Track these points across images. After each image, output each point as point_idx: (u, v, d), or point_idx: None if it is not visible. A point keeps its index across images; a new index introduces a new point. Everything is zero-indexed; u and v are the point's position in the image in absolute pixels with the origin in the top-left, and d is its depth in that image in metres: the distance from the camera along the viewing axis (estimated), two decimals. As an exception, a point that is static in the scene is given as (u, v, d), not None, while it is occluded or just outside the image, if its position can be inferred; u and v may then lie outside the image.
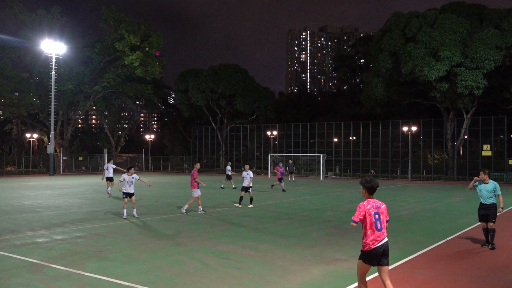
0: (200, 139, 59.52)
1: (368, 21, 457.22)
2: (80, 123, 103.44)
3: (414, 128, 43.38)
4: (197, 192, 15.13)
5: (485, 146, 40.50)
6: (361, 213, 5.58)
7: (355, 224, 5.71)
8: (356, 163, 47.09)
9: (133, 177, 14.26)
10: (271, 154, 48.04)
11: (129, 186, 14.09)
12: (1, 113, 57.28)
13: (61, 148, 51.10)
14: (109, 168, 22.46)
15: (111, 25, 48.49)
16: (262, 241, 10.39)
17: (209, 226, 12.54)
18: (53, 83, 44.04)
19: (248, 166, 18.81)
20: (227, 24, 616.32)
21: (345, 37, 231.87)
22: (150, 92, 54.98)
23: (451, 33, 37.31)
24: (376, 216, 5.58)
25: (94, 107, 60.36)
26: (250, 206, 17.28)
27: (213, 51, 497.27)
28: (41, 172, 47.94)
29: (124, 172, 14.62)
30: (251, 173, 17.56)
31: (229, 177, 27.79)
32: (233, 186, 27.07)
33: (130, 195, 14.10)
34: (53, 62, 43.87)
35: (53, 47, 43.48)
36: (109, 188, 21.86)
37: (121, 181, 14.18)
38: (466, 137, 42.31)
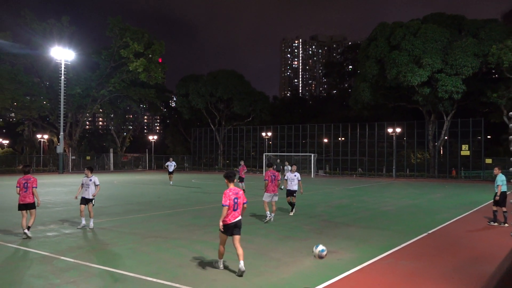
0: (199, 139, 59.48)
1: (356, 30, 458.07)
2: (88, 125, 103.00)
3: (398, 130, 43.54)
4: (276, 197, 12.88)
5: (463, 146, 40.70)
6: (227, 198, 6.93)
7: (226, 207, 6.91)
8: (345, 162, 47.16)
9: (90, 180, 11.20)
10: (266, 153, 48.05)
11: (86, 190, 11.18)
12: (14, 115, 56.94)
13: (70, 148, 50.86)
14: (170, 165, 27.83)
15: (117, 33, 48.32)
16: (257, 235, 10.40)
17: (209, 221, 12.53)
18: (62, 88, 43.85)
19: (295, 166, 14.56)
20: (224, 32, 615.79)
21: (334, 45, 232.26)
22: (153, 96, 54.84)
23: (433, 42, 37.45)
24: (235, 200, 6.97)
25: (100, 110, 60.12)
26: (291, 213, 14.07)
27: (211, 58, 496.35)
28: (51, 171, 47.72)
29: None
30: (299, 176, 13.89)
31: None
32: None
33: (86, 201, 11.17)
34: (63, 68, 43.67)
35: (62, 54, 43.30)
36: (171, 182, 27.66)
37: (82, 184, 11.34)
38: (446, 138, 42.49)
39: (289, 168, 24.62)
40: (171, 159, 29.20)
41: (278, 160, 37.93)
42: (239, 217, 7.07)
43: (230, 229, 7.02)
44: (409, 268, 7.44)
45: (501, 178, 12.25)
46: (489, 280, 6.77)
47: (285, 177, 14.23)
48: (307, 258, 8.00)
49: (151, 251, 8.60)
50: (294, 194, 13.96)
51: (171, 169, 27.91)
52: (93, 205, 11.29)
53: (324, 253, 6.12)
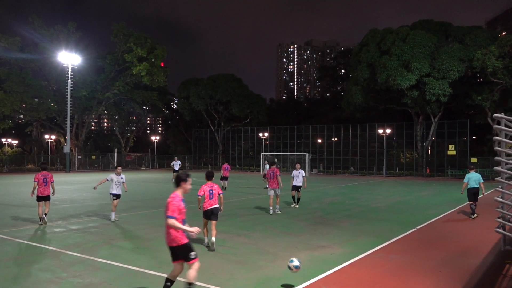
0: (200, 140, 59.42)
1: (348, 36, 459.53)
2: (93, 126, 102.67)
3: (388, 131, 43.62)
4: (278, 191, 13.32)
5: (450, 146, 40.81)
6: (202, 190, 8.34)
7: (199, 197, 8.35)
8: (338, 161, 47.20)
9: (121, 178, 11.59)
10: (263, 153, 48.02)
11: (117, 187, 11.50)
12: (22, 117, 56.81)
13: (76, 148, 50.72)
14: (175, 164, 27.61)
15: (121, 39, 48.24)
16: (255, 230, 10.39)
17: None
18: (69, 90, 43.72)
19: (299, 165, 15.26)
20: (224, 38, 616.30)
21: (328, 50, 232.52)
22: (156, 98, 54.75)
23: (421, 47, 37.54)
24: (210, 191, 8.31)
25: (105, 112, 59.93)
26: (296, 206, 14.84)
27: (211, 62, 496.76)
28: (58, 170, 47.56)
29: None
30: (303, 172, 14.81)
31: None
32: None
33: (117, 196, 11.53)
34: (69, 72, 43.54)
35: (69, 58, 43.17)
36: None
37: (108, 180, 11.52)
38: (433, 138, 42.60)
39: (267, 167, 25.00)
40: (176, 158, 29.55)
41: (276, 160, 38.26)
42: (216, 205, 8.35)
43: (208, 214, 8.34)
44: (398, 262, 7.44)
45: (468, 176, 12.90)
46: (475, 273, 6.78)
47: (292, 175, 14.91)
48: (302, 253, 8.00)
49: (154, 245, 8.58)
50: (299, 190, 14.77)
51: (176, 167, 28.12)
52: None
53: (299, 266, 6.02)
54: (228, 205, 15.69)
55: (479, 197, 13.18)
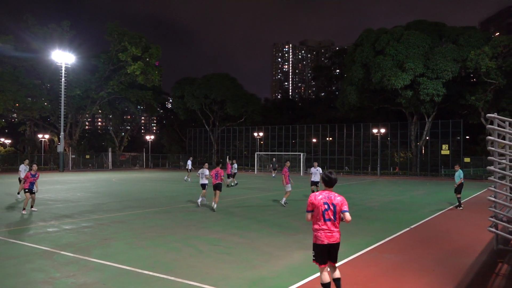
0: (194, 139, 59.31)
1: (343, 36, 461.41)
2: (87, 125, 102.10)
3: (382, 130, 43.77)
4: (289, 187, 15.07)
5: (444, 146, 41.04)
6: (211, 173, 13.37)
7: (211, 176, 13.62)
8: (332, 160, 47.33)
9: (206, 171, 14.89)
10: (258, 153, 48.07)
11: (202, 178, 14.78)
12: (16, 116, 56.34)
13: (70, 147, 50.40)
14: (189, 163, 29.02)
15: (115, 38, 48.00)
16: (250, 230, 10.38)
17: (203, 217, 12.48)
18: (62, 89, 43.46)
19: (316, 163, 17.23)
20: (218, 37, 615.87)
21: (322, 50, 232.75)
22: (150, 97, 54.53)
23: (415, 47, 37.70)
24: (216, 174, 13.24)
25: (99, 111, 59.61)
26: None
27: (206, 61, 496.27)
28: (51, 169, 47.27)
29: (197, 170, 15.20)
30: (320, 169, 16.50)
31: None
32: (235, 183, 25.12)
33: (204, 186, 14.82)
34: (63, 71, 43.29)
35: (63, 57, 42.91)
36: (188, 178, 28.47)
37: (206, 175, 14.68)
38: (427, 138, 42.81)
39: (235, 166, 27.33)
40: (191, 158, 30.46)
41: (274, 159, 38.56)
42: (219, 182, 13.36)
43: (214, 187, 13.30)
44: (392, 261, 7.48)
45: (457, 174, 15.20)
46: (468, 272, 6.82)
47: (310, 171, 17.00)
48: (297, 252, 8.01)
49: (148, 245, 8.55)
50: (318, 185, 16.27)
51: (189, 167, 29.27)
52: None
53: None
54: (223, 204, 15.67)
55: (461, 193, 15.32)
